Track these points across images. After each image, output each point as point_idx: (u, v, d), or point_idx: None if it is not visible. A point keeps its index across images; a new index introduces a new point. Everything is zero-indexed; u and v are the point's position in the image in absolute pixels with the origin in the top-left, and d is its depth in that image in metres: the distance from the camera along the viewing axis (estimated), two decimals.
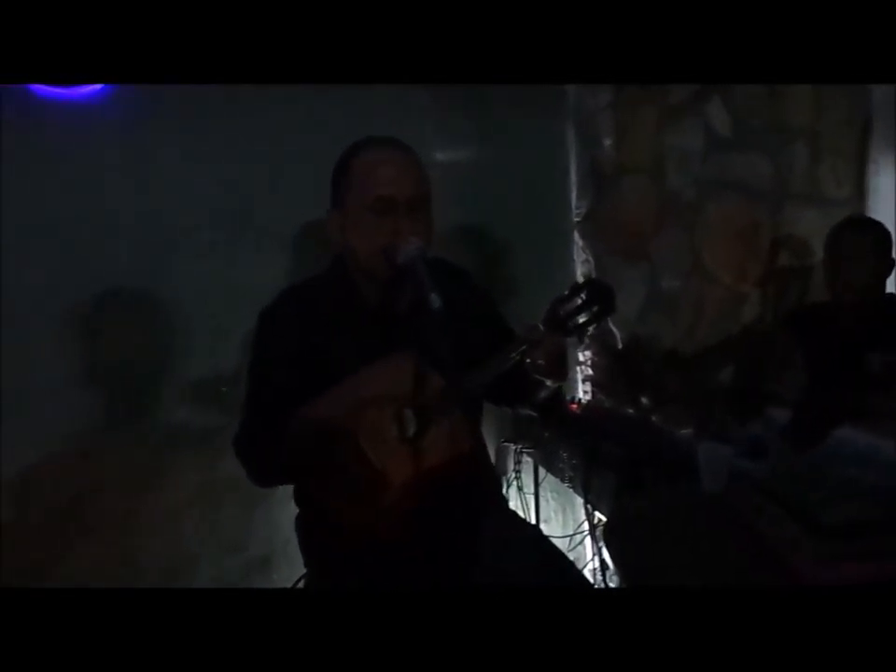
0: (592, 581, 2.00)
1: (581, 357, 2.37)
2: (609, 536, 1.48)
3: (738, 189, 2.43)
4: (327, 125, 1.99)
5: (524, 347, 1.28)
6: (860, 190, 2.51)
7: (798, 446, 1.71)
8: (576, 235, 2.33)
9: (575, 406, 2.27)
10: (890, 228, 2.40)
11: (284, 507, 2.08)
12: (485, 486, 1.42)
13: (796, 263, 2.46)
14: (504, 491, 1.82)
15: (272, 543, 2.13)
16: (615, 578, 2.07)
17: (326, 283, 1.39)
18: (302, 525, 1.46)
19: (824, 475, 1.54)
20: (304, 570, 1.46)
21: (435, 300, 1.10)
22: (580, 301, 1.27)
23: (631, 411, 2.32)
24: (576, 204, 2.31)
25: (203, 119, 1.94)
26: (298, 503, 1.45)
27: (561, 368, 1.38)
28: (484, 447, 1.03)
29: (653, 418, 2.30)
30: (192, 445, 2.04)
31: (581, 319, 1.27)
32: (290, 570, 2.10)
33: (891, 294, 2.04)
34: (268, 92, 1.94)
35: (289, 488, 2.00)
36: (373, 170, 1.27)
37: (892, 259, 1.99)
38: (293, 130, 2.01)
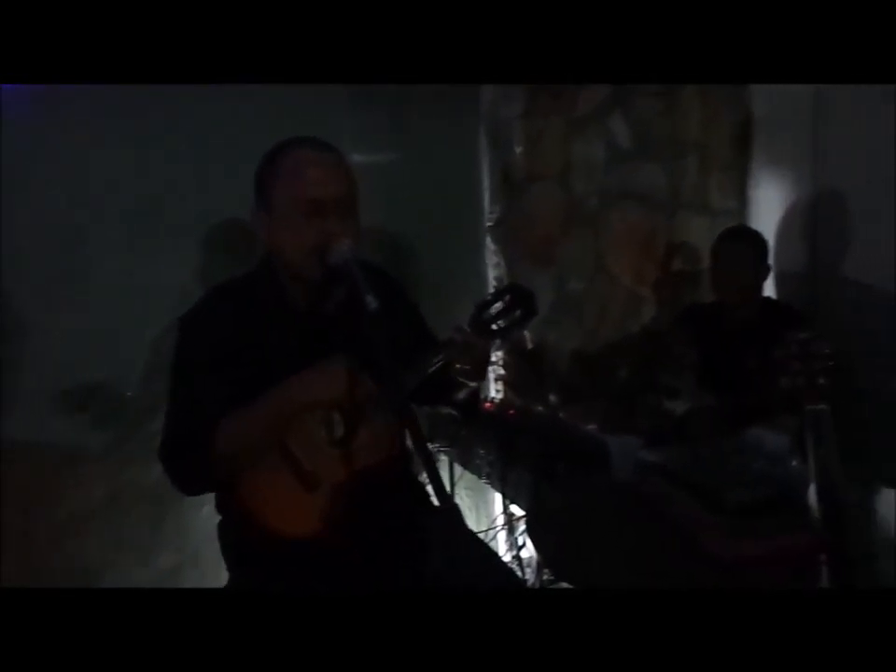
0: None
1: (492, 358, 2.44)
2: (532, 527, 1.54)
3: (637, 197, 2.58)
4: (243, 124, 1.96)
5: (451, 349, 1.32)
6: (743, 201, 2.73)
7: (699, 437, 1.85)
8: (488, 240, 2.40)
9: (489, 405, 2.35)
10: (770, 236, 2.64)
11: (194, 514, 2.04)
12: (418, 485, 1.46)
13: (688, 267, 2.64)
14: None
15: (182, 553, 2.07)
16: (530, 570, 2.16)
17: (252, 284, 1.37)
18: (226, 531, 1.43)
19: (723, 462, 1.68)
20: (221, 578, 1.42)
21: (372, 300, 1.12)
22: (503, 306, 1.33)
23: (541, 408, 2.41)
24: (488, 210, 2.38)
25: (113, 116, 1.87)
26: (220, 509, 1.42)
27: (483, 369, 1.44)
28: (426, 447, 1.05)
29: (562, 415, 2.41)
30: (96, 456, 1.95)
31: (505, 322, 1.33)
32: (202, 580, 2.05)
33: (768, 297, 2.25)
34: (182, 89, 1.89)
35: (200, 497, 1.99)
36: (301, 171, 1.27)
37: (768, 266, 2.19)
38: (208, 128, 1.96)
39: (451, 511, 0.94)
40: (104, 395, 1.95)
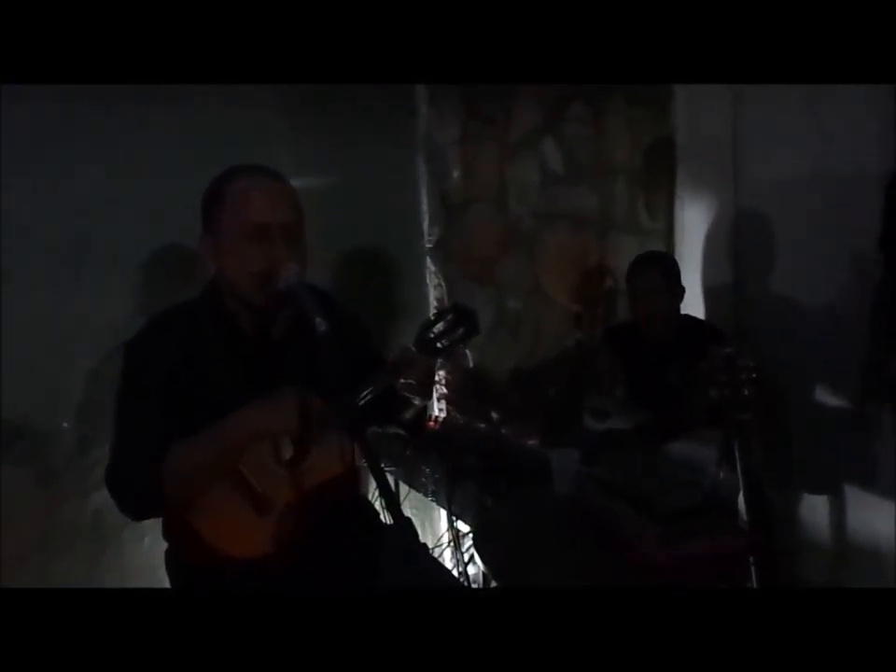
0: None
1: (435, 377, 2.48)
2: (478, 541, 1.58)
3: (569, 218, 2.68)
4: (182, 152, 1.95)
5: (397, 368, 1.35)
6: (670, 222, 2.87)
7: (631, 450, 1.93)
8: (428, 261, 2.44)
9: (433, 423, 2.38)
10: (696, 255, 2.78)
11: (134, 548, 1.99)
12: (368, 504, 1.48)
13: (618, 286, 2.75)
14: None
15: (123, 585, 2.01)
16: (477, 586, 2.19)
17: (198, 309, 1.37)
18: (173, 558, 1.42)
19: (654, 473, 1.76)
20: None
21: (321, 323, 1.14)
22: (446, 325, 1.37)
23: (483, 425, 2.46)
24: (427, 231, 2.43)
25: (49, 132, 1.83)
26: (167, 536, 1.40)
27: (429, 386, 1.48)
28: (379, 464, 1.08)
29: (503, 431, 2.46)
30: (28, 489, 1.89)
31: (449, 341, 1.37)
32: None
33: (686, 315, 2.37)
34: (111, 112, 1.88)
35: (141, 527, 1.94)
36: (248, 197, 1.29)
37: (681, 287, 2.29)
38: (145, 154, 1.95)
39: (405, 526, 0.97)
40: (31, 430, 1.89)
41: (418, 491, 2.17)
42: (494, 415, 2.52)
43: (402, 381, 1.34)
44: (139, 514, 1.31)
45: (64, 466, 1.92)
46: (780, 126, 2.44)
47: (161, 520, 1.39)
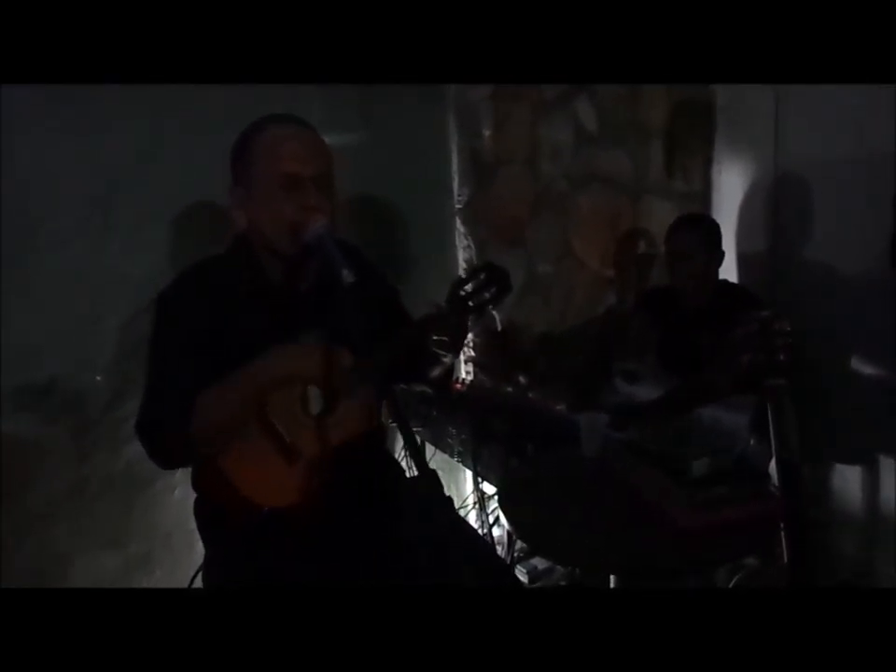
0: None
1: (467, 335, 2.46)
2: (503, 501, 1.58)
3: (603, 181, 2.62)
4: (209, 108, 1.93)
5: (429, 324, 1.34)
6: (706, 186, 2.79)
7: (662, 415, 1.90)
8: (458, 221, 2.41)
9: (459, 385, 2.37)
10: (732, 220, 2.71)
11: (164, 501, 2.03)
12: (394, 460, 1.48)
13: (652, 250, 2.69)
14: None
15: (151, 539, 2.06)
16: (501, 547, 2.20)
17: (227, 262, 1.37)
18: (202, 508, 1.44)
19: (686, 437, 1.74)
20: (194, 562, 1.43)
21: (348, 275, 1.13)
22: (478, 283, 1.36)
23: (510, 389, 2.45)
24: (457, 192, 2.40)
25: (69, 99, 1.82)
26: (196, 486, 1.42)
27: (459, 344, 1.46)
28: (406, 420, 1.07)
29: (531, 395, 2.45)
30: (59, 443, 1.92)
31: (482, 299, 1.36)
32: (173, 566, 2.05)
33: (724, 280, 2.31)
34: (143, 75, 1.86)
35: (169, 481, 1.98)
36: (279, 146, 1.28)
37: (721, 251, 2.25)
38: (169, 112, 1.93)
39: (431, 478, 0.97)
40: (65, 384, 1.92)
41: (444, 452, 2.17)
42: (521, 379, 2.50)
43: (434, 338, 1.33)
44: (168, 462, 1.33)
45: (97, 418, 1.96)
46: (824, 94, 2.35)
47: (190, 472, 1.41)
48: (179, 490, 2.03)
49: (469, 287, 1.32)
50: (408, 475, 1.49)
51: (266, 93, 1.95)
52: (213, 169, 1.43)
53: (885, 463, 2.32)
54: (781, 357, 1.65)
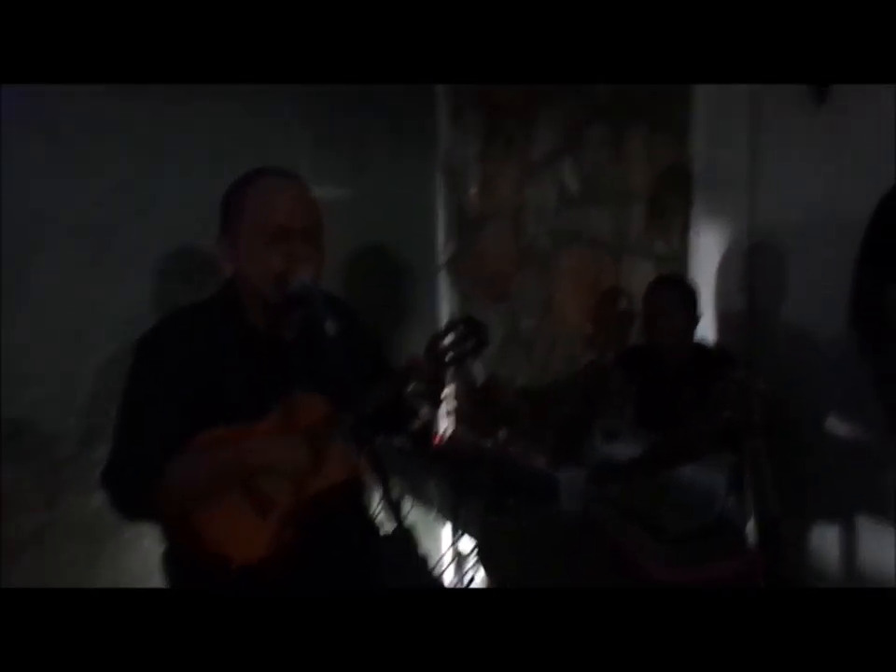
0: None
1: (444, 392, 2.47)
2: (484, 555, 1.57)
3: (585, 240, 2.68)
4: (204, 155, 1.97)
5: (407, 376, 1.36)
6: (684, 247, 2.87)
7: (641, 473, 1.91)
8: (442, 276, 2.45)
9: (439, 439, 2.37)
10: (710, 282, 2.77)
11: (132, 550, 1.98)
12: (369, 515, 1.47)
13: (632, 309, 2.74)
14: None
15: (118, 585, 2.00)
16: None
17: (212, 309, 1.38)
18: (170, 559, 1.40)
19: (664, 495, 1.75)
20: None
21: (331, 326, 1.15)
22: (456, 336, 1.39)
23: (491, 443, 2.44)
24: (443, 246, 2.44)
25: (79, 127, 1.86)
26: (165, 536, 1.39)
27: (437, 396, 1.48)
28: (384, 473, 1.07)
29: (511, 449, 2.44)
30: (27, 486, 1.88)
31: (459, 352, 1.39)
32: None
33: (701, 340, 2.35)
34: (140, 109, 1.90)
35: (139, 529, 1.93)
36: (269, 198, 1.30)
37: (698, 312, 2.28)
38: (168, 157, 1.97)
39: (406, 536, 0.96)
40: (36, 425, 1.89)
41: (423, 506, 2.15)
42: (502, 433, 2.50)
43: (411, 389, 1.34)
44: (132, 514, 1.31)
45: (69, 461, 1.92)
46: (797, 160, 2.45)
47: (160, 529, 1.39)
48: (148, 540, 1.98)
49: (447, 340, 1.34)
50: (384, 529, 1.47)
51: (259, 140, 2.02)
52: (204, 214, 1.44)
53: (862, 521, 2.33)
54: (757, 416, 1.68)
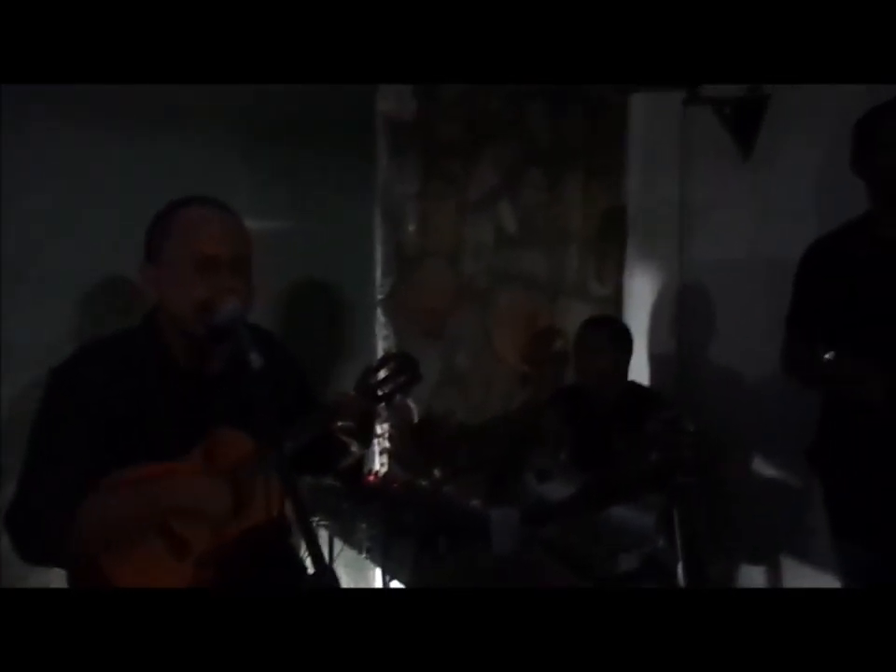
0: None
1: (378, 430, 2.43)
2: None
3: (521, 280, 2.71)
4: (135, 181, 1.92)
5: (335, 411, 1.32)
6: (618, 289, 2.93)
7: (574, 512, 1.91)
8: (378, 311, 2.43)
9: (372, 478, 2.32)
10: (643, 323, 2.83)
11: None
12: (294, 557, 1.41)
13: (567, 349, 2.77)
14: None
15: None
16: None
17: (132, 339, 1.31)
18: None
19: (594, 536, 1.74)
20: None
21: (256, 359, 1.10)
22: (388, 371, 1.37)
23: (425, 482, 2.40)
24: (380, 282, 2.43)
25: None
26: (75, 583, 1.30)
27: (368, 433, 1.44)
28: (306, 513, 1.03)
29: (445, 489, 2.41)
30: None
31: (391, 387, 1.37)
32: None
33: (632, 381, 2.39)
34: (66, 138, 1.84)
35: (44, 578, 1.80)
36: (197, 227, 1.26)
37: (629, 352, 2.33)
38: (92, 183, 1.91)
39: (328, 575, 0.92)
40: None
41: (352, 548, 2.09)
42: (436, 472, 2.47)
43: (340, 424, 1.30)
44: (36, 560, 1.22)
45: None
46: (725, 205, 2.55)
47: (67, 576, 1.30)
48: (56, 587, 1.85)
49: (378, 375, 1.32)
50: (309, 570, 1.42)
51: (194, 172, 1.98)
52: (131, 243, 1.39)
53: (786, 561, 2.38)
54: (687, 455, 1.69)
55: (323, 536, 2.17)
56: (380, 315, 2.43)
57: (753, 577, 2.47)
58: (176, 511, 1.21)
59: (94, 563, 1.18)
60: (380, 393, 1.34)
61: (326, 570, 0.93)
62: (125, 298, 1.85)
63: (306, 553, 1.12)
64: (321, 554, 0.94)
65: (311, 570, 0.95)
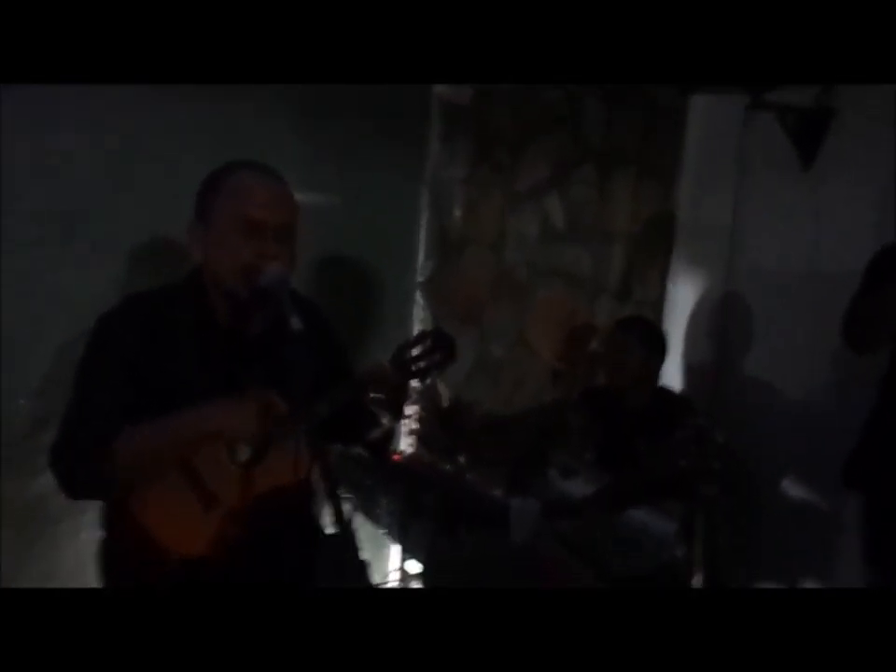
0: None
1: (408, 412, 2.44)
2: (429, 581, 1.54)
3: (563, 276, 2.70)
4: (184, 149, 1.95)
5: (368, 381, 1.34)
6: (661, 293, 2.90)
7: (593, 511, 1.90)
8: (417, 294, 2.44)
9: (397, 457, 2.34)
10: (682, 330, 2.80)
11: (67, 542, 1.91)
12: (315, 520, 1.43)
13: (602, 349, 2.75)
14: None
15: (50, 580, 1.92)
16: None
17: (176, 295, 1.35)
18: (108, 548, 1.35)
19: (613, 536, 1.73)
20: None
21: (296, 322, 1.13)
22: (424, 347, 1.37)
23: (449, 466, 2.42)
24: (421, 265, 2.43)
25: (53, 112, 1.83)
26: (105, 524, 1.35)
27: (400, 406, 1.45)
28: (333, 479, 1.05)
29: (468, 475, 2.42)
30: None
31: (425, 363, 1.37)
32: None
33: (664, 386, 2.36)
34: (122, 99, 1.89)
35: (77, 521, 1.86)
36: (247, 191, 1.29)
37: (660, 355, 2.30)
38: (153, 138, 1.95)
39: (348, 537, 0.93)
40: None
41: (372, 522, 2.11)
42: (461, 458, 2.48)
43: (372, 395, 1.32)
44: (77, 490, 1.27)
45: (15, 443, 1.86)
46: (779, 218, 2.50)
47: (99, 514, 1.34)
48: (86, 533, 1.91)
49: (414, 351, 1.33)
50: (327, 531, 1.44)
51: (245, 141, 2.01)
52: (180, 205, 1.42)
53: (808, 583, 2.33)
54: (714, 465, 1.67)
55: (345, 509, 2.19)
56: (419, 298, 2.44)
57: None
58: (203, 436, 1.22)
59: (128, 506, 1.22)
60: (414, 368, 1.35)
61: (347, 533, 0.94)
62: (173, 257, 1.89)
63: (330, 523, 1.15)
64: (344, 517, 0.96)
65: (332, 531, 0.97)
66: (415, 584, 2.07)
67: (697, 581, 1.65)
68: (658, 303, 2.90)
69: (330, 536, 0.96)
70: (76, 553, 1.90)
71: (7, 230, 1.80)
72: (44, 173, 1.83)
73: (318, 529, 1.40)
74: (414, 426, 2.46)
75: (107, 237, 1.92)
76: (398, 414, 1.42)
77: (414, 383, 1.41)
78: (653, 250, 2.87)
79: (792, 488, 2.41)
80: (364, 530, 2.20)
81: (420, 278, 2.44)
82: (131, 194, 1.93)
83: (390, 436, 1.53)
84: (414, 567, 2.03)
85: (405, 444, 2.45)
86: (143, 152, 1.94)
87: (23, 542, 1.88)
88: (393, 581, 2.24)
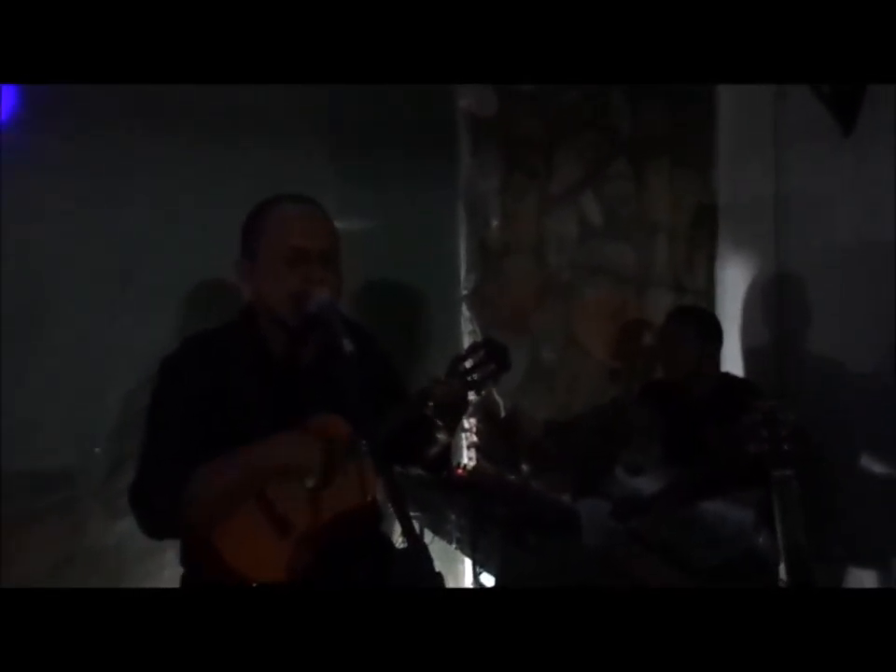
0: None
1: (466, 425, 2.44)
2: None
3: (607, 273, 2.67)
4: (227, 190, 2.01)
5: (426, 396, 1.34)
6: (710, 281, 2.84)
7: (667, 506, 1.86)
8: (463, 307, 2.45)
9: (461, 471, 2.33)
10: (736, 315, 2.73)
11: (153, 578, 1.96)
12: (386, 539, 1.44)
13: (656, 343, 2.71)
14: None
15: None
16: None
17: (232, 332, 1.40)
18: (190, 584, 1.39)
19: (690, 529, 1.69)
20: None
21: (348, 344, 1.15)
22: (478, 359, 1.37)
23: (513, 476, 2.40)
24: (464, 278, 2.44)
25: (97, 174, 1.92)
26: (185, 560, 1.38)
27: (457, 419, 1.46)
28: (399, 496, 1.06)
29: (533, 483, 2.40)
30: (50, 516, 1.89)
31: (480, 375, 1.37)
32: None
33: (726, 373, 2.30)
34: (164, 147, 1.96)
35: (160, 559, 1.92)
36: (288, 222, 1.33)
37: (717, 343, 2.24)
38: (190, 189, 2.02)
39: (421, 550, 0.94)
40: (61, 457, 1.90)
41: (442, 539, 2.11)
42: (524, 467, 2.46)
43: (431, 407, 1.32)
44: (157, 530, 1.31)
45: (92, 491, 1.93)
46: (823, 192, 2.43)
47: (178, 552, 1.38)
48: (169, 571, 1.96)
49: (468, 363, 1.33)
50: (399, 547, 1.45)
51: (280, 173, 2.06)
52: (224, 246, 1.47)
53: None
54: (787, 447, 1.62)
55: (414, 527, 2.20)
56: (465, 311, 2.45)
57: (863, 579, 2.33)
58: (271, 472, 1.26)
59: (205, 536, 1.25)
60: (470, 380, 1.35)
61: (420, 547, 0.94)
62: (226, 300, 1.95)
63: (400, 539, 1.15)
64: (415, 532, 0.96)
65: (404, 545, 0.97)
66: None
67: (782, 569, 1.60)
68: (709, 290, 2.84)
69: (403, 549, 0.96)
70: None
71: (67, 294, 1.90)
72: (91, 229, 1.93)
73: (390, 545, 1.41)
74: (474, 438, 2.45)
75: (157, 287, 2.00)
76: (454, 427, 1.42)
77: (471, 395, 1.41)
78: (697, 237, 2.82)
79: (868, 463, 2.32)
80: (434, 546, 2.21)
81: (464, 291, 2.45)
82: (176, 238, 2.00)
83: (448, 451, 1.53)
84: (489, 579, 2.02)
85: (467, 458, 2.45)
86: (181, 200, 2.01)
87: (110, 581, 1.94)
88: None
